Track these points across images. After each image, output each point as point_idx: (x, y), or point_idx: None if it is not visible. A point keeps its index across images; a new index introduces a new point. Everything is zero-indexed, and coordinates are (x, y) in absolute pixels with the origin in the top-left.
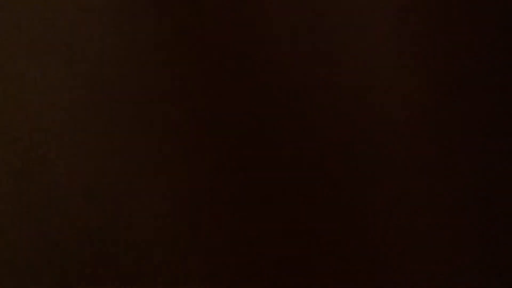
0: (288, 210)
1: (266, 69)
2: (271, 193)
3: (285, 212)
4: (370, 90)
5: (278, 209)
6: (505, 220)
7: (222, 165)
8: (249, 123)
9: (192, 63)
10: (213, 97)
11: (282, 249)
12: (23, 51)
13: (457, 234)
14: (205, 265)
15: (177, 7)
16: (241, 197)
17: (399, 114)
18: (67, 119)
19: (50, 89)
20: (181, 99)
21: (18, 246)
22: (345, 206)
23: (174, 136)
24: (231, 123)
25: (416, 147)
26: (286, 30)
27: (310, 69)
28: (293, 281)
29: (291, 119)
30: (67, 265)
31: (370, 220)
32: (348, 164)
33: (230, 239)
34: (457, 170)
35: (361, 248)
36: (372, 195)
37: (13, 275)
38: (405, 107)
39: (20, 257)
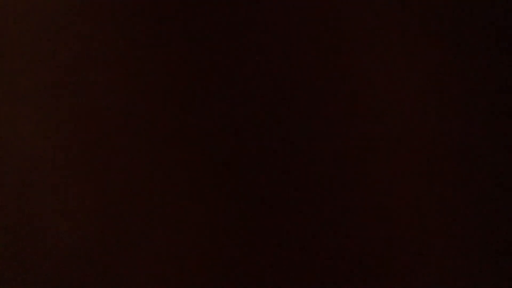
0: (285, 212)
1: (264, 68)
2: (269, 193)
3: (282, 214)
4: (370, 90)
5: (276, 211)
6: (505, 221)
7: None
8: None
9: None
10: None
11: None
12: (14, 94)
13: (457, 235)
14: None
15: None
16: (238, 198)
17: (399, 115)
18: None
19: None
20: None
21: None
22: (344, 206)
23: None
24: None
25: (416, 148)
26: (285, 29)
27: (309, 69)
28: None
29: (290, 118)
30: None
31: (369, 221)
32: (347, 164)
33: (231, 240)
34: (457, 170)
35: (361, 249)
36: (372, 195)
37: None
38: (405, 107)
39: None
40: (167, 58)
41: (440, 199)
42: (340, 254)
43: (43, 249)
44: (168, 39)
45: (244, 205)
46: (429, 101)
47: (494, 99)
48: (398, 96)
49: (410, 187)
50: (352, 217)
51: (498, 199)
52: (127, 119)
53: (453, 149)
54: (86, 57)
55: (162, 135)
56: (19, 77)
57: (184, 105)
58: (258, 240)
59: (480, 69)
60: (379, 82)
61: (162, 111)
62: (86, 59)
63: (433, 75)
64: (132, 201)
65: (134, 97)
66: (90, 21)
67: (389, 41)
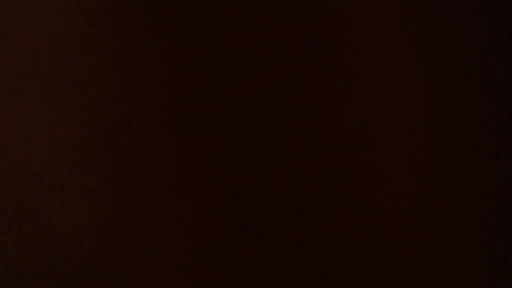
0: (285, 213)
1: (261, 70)
2: (268, 193)
3: (281, 215)
4: (369, 90)
5: (275, 211)
6: (505, 221)
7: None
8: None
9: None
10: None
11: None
12: (22, 90)
13: (456, 236)
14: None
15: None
16: (237, 197)
17: (398, 115)
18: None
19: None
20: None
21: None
22: (344, 207)
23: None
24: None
25: (415, 148)
26: (283, 31)
27: (308, 70)
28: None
29: (289, 119)
30: None
31: (369, 222)
32: (347, 165)
33: (231, 238)
34: (457, 171)
35: (360, 250)
36: (371, 195)
37: None
38: (404, 107)
39: None
40: (174, 59)
41: (438, 199)
42: (339, 254)
43: (50, 247)
44: (175, 39)
45: (244, 205)
46: (427, 101)
47: (494, 99)
48: (396, 96)
49: (408, 188)
50: (351, 217)
51: (497, 199)
52: (133, 119)
53: (452, 149)
54: (93, 57)
55: (167, 135)
56: (26, 78)
57: (187, 106)
58: (258, 241)
59: (480, 69)
60: (377, 82)
61: (166, 112)
62: (93, 59)
63: (432, 75)
64: (139, 201)
65: (140, 97)
66: (97, 22)
67: (388, 41)
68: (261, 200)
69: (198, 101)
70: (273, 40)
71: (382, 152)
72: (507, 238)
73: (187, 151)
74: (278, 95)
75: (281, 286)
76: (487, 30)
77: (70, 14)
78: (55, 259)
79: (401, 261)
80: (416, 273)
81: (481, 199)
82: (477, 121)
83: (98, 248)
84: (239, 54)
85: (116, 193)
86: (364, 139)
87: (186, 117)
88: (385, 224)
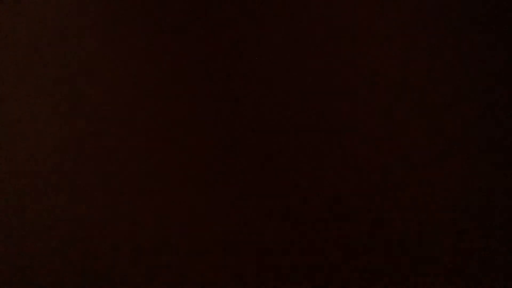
0: (286, 214)
1: (259, 66)
2: (270, 193)
3: (281, 216)
4: (370, 90)
5: (276, 211)
6: (505, 221)
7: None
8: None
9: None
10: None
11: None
12: (18, 89)
13: (456, 236)
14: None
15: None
16: (237, 197)
17: (399, 114)
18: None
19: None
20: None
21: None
22: (345, 207)
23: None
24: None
25: (415, 148)
26: (283, 30)
27: (310, 69)
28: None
29: (290, 116)
30: None
31: (369, 222)
32: (347, 164)
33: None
34: (457, 171)
35: (361, 251)
36: (372, 195)
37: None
38: (405, 107)
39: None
40: (173, 58)
41: (438, 199)
42: (340, 254)
43: (49, 248)
44: (175, 38)
45: (245, 205)
46: (428, 101)
47: (493, 98)
48: (396, 95)
49: (409, 187)
50: (351, 217)
51: (498, 199)
52: (133, 119)
53: (452, 148)
54: (89, 58)
55: (166, 135)
56: (25, 77)
57: (187, 106)
58: (259, 240)
59: (480, 68)
60: (377, 81)
61: (166, 112)
62: (93, 59)
63: (431, 74)
64: (139, 201)
65: (140, 97)
66: (97, 21)
67: (388, 40)
68: (262, 199)
69: (198, 100)
70: (273, 40)
71: (382, 152)
72: (507, 238)
73: (186, 151)
74: (279, 95)
75: (282, 286)
76: (487, 30)
77: (70, 13)
78: (54, 259)
79: (401, 261)
80: (415, 273)
81: (481, 199)
82: (477, 121)
83: (98, 249)
84: (239, 54)
85: (115, 193)
86: (364, 139)
87: (185, 117)
88: (385, 224)
